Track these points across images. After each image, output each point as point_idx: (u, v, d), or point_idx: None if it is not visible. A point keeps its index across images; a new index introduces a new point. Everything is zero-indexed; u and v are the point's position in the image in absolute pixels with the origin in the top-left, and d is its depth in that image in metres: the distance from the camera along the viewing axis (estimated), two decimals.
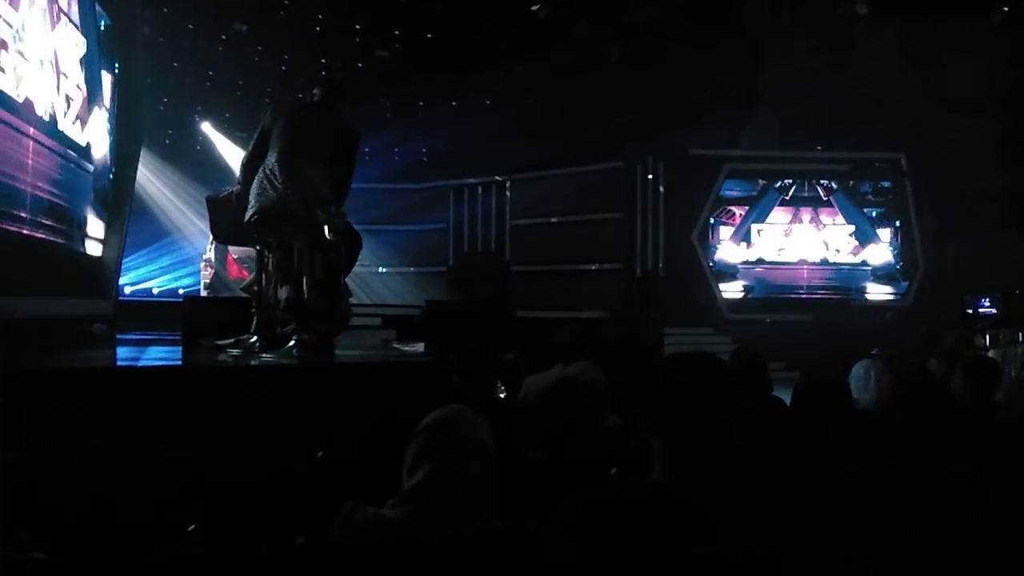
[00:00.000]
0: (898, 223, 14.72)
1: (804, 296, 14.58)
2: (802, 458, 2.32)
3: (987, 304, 12.85)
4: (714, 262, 14.71)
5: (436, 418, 1.91)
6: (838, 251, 14.85)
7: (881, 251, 14.81)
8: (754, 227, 14.90)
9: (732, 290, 14.66)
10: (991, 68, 13.49)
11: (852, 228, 14.85)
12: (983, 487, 1.82)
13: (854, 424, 2.74)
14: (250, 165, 5.30)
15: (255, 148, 5.28)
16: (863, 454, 2.39)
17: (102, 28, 6.73)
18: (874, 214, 14.87)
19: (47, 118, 5.56)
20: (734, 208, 14.87)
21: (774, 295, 14.55)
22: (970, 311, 12.77)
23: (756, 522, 1.49)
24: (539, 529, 1.72)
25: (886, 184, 14.75)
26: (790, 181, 14.82)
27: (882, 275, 14.81)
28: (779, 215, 14.89)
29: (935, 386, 3.10)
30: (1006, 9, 12.52)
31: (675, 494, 1.52)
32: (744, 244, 14.87)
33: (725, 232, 14.84)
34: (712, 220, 14.75)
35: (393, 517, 1.83)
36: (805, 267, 14.84)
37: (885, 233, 14.82)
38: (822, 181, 14.80)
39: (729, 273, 14.77)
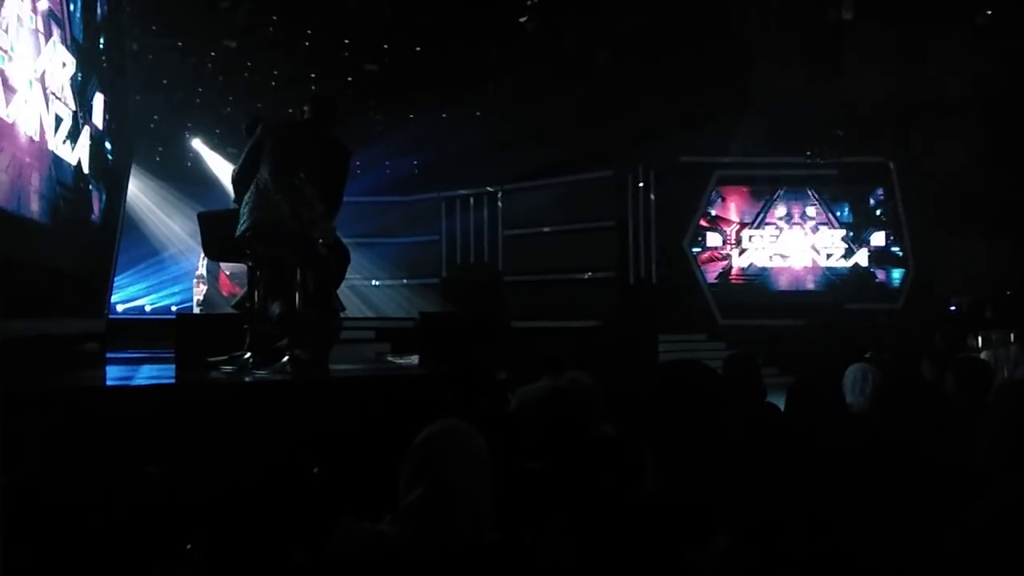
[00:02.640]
0: (888, 226, 14.80)
1: (796, 301, 14.62)
2: (795, 464, 2.33)
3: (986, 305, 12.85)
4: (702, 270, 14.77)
5: (432, 432, 1.91)
6: (829, 255, 14.91)
7: (872, 255, 14.89)
8: (745, 233, 14.97)
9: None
10: (978, 71, 13.58)
11: (842, 232, 14.93)
12: (975, 489, 1.83)
13: (847, 428, 2.75)
14: (241, 179, 5.31)
15: (245, 163, 5.29)
16: (856, 458, 2.41)
17: (91, 47, 6.74)
18: (864, 218, 14.95)
19: (36, 138, 5.56)
20: (727, 215, 14.93)
21: (767, 300, 14.60)
22: (961, 313, 12.81)
23: (749, 528, 1.50)
24: (538, 541, 1.72)
25: (875, 189, 14.85)
26: (781, 188, 14.89)
27: (873, 278, 14.87)
28: (770, 221, 14.95)
29: (927, 388, 3.12)
30: (989, 12, 12.62)
31: (668, 502, 1.53)
32: (736, 251, 14.93)
33: (721, 239, 14.90)
34: (707, 228, 14.81)
35: (391, 533, 1.83)
36: (796, 272, 14.90)
37: (875, 236, 14.89)
38: (811, 186, 14.88)
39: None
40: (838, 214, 14.96)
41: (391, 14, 11.52)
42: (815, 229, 14.94)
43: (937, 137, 13.72)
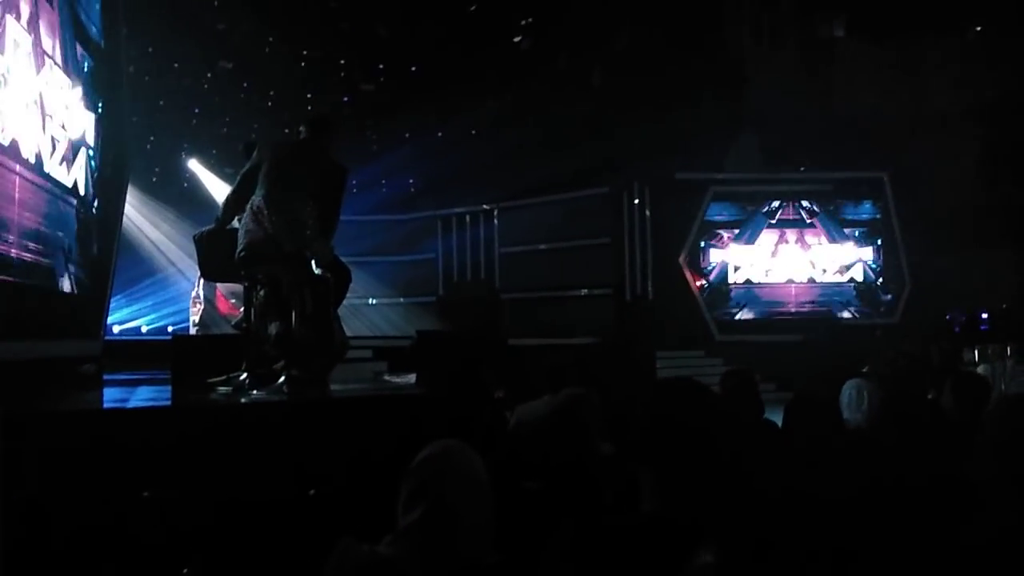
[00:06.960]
0: (883, 241, 14.85)
1: (793, 316, 14.64)
2: (794, 481, 2.33)
3: (982, 318, 12.90)
4: (709, 283, 14.76)
5: (430, 454, 1.90)
6: (824, 271, 14.94)
7: (867, 270, 14.92)
8: (740, 249, 14.99)
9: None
10: (970, 86, 13.69)
11: (838, 247, 14.96)
12: (972, 505, 1.83)
13: (845, 445, 2.75)
14: (234, 202, 5.33)
15: (240, 185, 5.30)
16: (855, 474, 2.40)
17: (86, 69, 6.77)
18: (859, 233, 14.99)
19: (33, 160, 5.56)
20: (722, 232, 14.95)
21: (763, 316, 14.61)
22: (956, 327, 12.84)
23: (747, 548, 1.50)
24: (535, 562, 1.72)
25: (870, 203, 14.91)
26: (776, 203, 14.92)
27: (869, 293, 14.90)
28: (766, 236, 14.97)
29: (925, 404, 3.12)
30: (979, 29, 12.75)
31: (665, 523, 1.53)
32: (732, 267, 14.95)
33: (716, 255, 14.91)
34: (702, 244, 14.82)
35: (389, 555, 1.82)
36: (792, 287, 14.92)
37: (871, 252, 14.93)
38: (806, 202, 14.93)
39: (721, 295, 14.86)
40: (833, 229, 15.01)
41: (386, 34, 11.60)
42: (810, 244, 14.97)
43: (931, 151, 13.80)
